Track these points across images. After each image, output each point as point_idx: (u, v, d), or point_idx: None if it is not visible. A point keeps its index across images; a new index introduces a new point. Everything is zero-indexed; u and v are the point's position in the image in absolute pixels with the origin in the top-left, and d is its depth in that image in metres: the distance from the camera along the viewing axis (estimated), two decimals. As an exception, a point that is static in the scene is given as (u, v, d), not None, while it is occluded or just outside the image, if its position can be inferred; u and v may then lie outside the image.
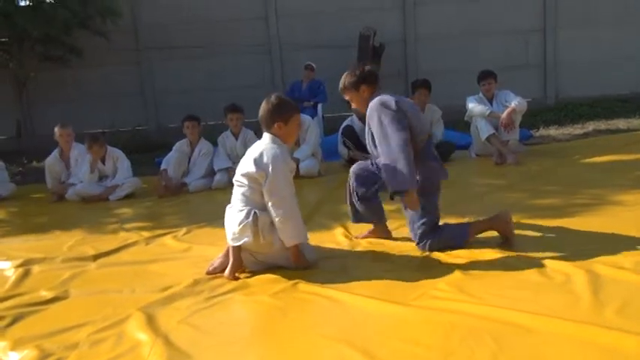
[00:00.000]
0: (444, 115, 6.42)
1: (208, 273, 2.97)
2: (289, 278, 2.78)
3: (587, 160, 5.43)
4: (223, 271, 2.92)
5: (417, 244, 3.00)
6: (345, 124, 6.39)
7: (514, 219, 3.07)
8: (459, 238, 2.98)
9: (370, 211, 3.27)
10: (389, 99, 2.93)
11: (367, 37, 8.51)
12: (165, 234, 3.99)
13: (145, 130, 9.47)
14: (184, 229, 4.06)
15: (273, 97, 2.93)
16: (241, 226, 2.82)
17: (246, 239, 2.82)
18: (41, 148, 7.33)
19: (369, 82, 3.09)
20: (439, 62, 9.10)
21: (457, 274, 2.62)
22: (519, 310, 2.11)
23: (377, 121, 2.90)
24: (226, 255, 2.97)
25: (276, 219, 2.81)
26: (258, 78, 9.47)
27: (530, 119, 7.53)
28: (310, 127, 6.00)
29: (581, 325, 1.94)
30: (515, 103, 5.74)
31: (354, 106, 3.22)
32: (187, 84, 9.49)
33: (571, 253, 2.72)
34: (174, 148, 6.01)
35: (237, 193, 2.94)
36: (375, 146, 2.98)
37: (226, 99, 6.93)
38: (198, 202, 5.30)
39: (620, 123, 7.57)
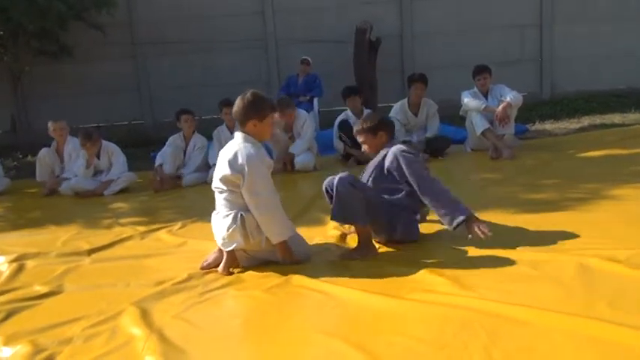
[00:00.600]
0: (440, 109, 6.41)
1: (202, 268, 2.97)
2: (283, 273, 2.78)
3: (583, 155, 5.44)
4: (217, 266, 2.93)
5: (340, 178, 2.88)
6: (340, 118, 6.37)
7: (510, 212, 3.10)
8: (350, 214, 2.90)
9: None
10: (409, 149, 3.06)
11: (364, 31, 8.48)
12: (160, 228, 3.99)
13: (141, 124, 9.44)
14: (179, 224, 4.07)
15: (248, 94, 2.88)
16: (230, 230, 2.81)
17: (236, 244, 2.82)
18: (36, 143, 7.29)
19: (387, 130, 3.20)
20: (435, 57, 9.08)
21: (450, 268, 2.63)
22: (512, 303, 2.12)
23: (405, 166, 2.95)
24: (220, 251, 2.97)
25: (259, 218, 2.80)
26: (254, 73, 9.43)
27: (525, 113, 7.53)
28: (306, 122, 6.00)
29: (574, 317, 1.95)
30: (510, 97, 5.73)
31: (365, 148, 3.26)
32: (183, 79, 9.45)
33: (564, 247, 2.74)
34: (167, 142, 5.99)
35: (220, 198, 2.91)
36: (372, 178, 3.09)
37: (222, 94, 6.87)
38: (193, 197, 5.29)
39: (616, 117, 7.57)
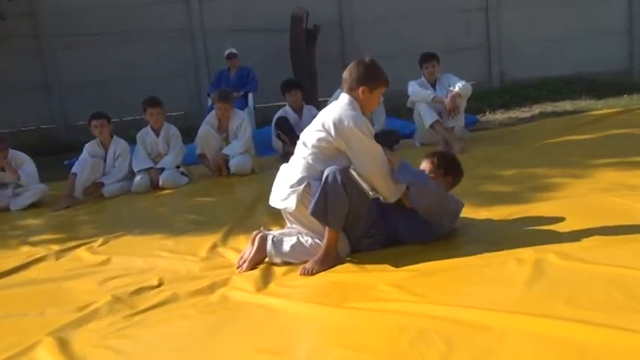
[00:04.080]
0: (386, 101, 6.47)
1: (240, 267, 3.00)
2: (220, 287, 2.78)
3: (535, 145, 5.67)
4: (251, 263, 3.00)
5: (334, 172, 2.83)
6: (278, 115, 6.38)
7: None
8: (328, 214, 2.86)
9: None
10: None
11: (300, 18, 8.51)
12: (78, 246, 3.88)
13: (52, 128, 9.10)
14: (100, 240, 3.96)
15: (367, 59, 3.00)
16: (290, 190, 2.94)
17: (287, 206, 2.95)
18: None
19: (455, 178, 3.21)
20: (377, 45, 9.17)
21: (397, 273, 2.68)
22: (468, 307, 2.18)
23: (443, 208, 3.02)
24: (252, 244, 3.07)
25: (377, 178, 2.87)
26: (179, 66, 9.27)
27: (475, 103, 7.74)
28: (244, 122, 5.97)
29: (532, 317, 2.02)
30: (459, 86, 5.89)
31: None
32: (98, 76, 9.15)
33: (518, 243, 2.82)
34: (84, 150, 5.77)
35: (301, 153, 3.00)
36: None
37: (144, 91, 6.75)
38: (116, 209, 5.17)
39: (567, 105, 7.94)
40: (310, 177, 2.92)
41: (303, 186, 2.91)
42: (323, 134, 2.92)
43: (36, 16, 9.10)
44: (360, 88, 2.96)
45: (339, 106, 2.98)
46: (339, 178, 2.79)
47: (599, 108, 7.39)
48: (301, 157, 3.01)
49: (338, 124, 2.89)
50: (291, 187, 2.95)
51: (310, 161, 2.96)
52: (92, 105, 7.13)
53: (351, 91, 2.99)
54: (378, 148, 2.95)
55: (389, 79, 3.08)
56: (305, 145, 3.01)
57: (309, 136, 3.00)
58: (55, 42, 9.12)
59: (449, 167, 3.18)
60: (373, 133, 3.01)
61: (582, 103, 7.89)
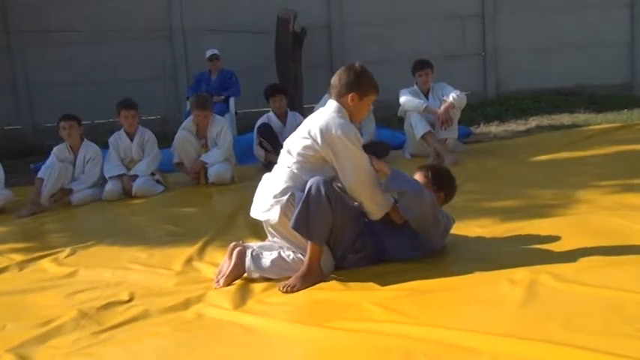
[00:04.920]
0: (375, 110, 6.52)
1: (217, 282, 2.98)
2: (194, 303, 2.77)
3: (531, 160, 5.73)
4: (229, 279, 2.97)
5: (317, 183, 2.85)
6: (260, 121, 6.39)
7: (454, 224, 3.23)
8: (311, 228, 2.86)
9: None
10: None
11: (286, 20, 8.55)
12: (43, 256, 3.84)
13: (18, 130, 9.04)
14: (68, 250, 3.93)
15: (356, 64, 3.04)
16: (273, 201, 2.93)
17: (269, 218, 2.95)
18: None
19: (448, 194, 3.24)
20: (367, 50, 9.23)
21: (383, 292, 2.69)
22: (457, 329, 2.19)
23: (435, 220, 3.02)
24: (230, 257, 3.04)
25: (363, 192, 2.90)
26: (157, 69, 9.24)
27: (469, 114, 7.82)
28: (224, 129, 5.97)
29: (525, 341, 2.03)
30: (453, 96, 5.94)
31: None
32: (71, 75, 9.12)
33: (512, 263, 2.85)
34: (52, 154, 5.72)
35: (285, 162, 3.00)
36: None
37: (118, 94, 6.74)
38: (85, 217, 5.15)
39: (565, 118, 8.03)
40: (295, 187, 2.92)
41: (287, 197, 2.91)
42: (309, 142, 2.93)
43: (6, 11, 9.06)
44: (350, 95, 2.97)
45: (326, 113, 2.99)
46: (322, 189, 2.79)
47: (599, 122, 7.49)
48: (285, 165, 3.01)
49: (325, 132, 2.90)
50: (275, 197, 2.94)
51: (295, 170, 2.95)
52: (62, 106, 7.09)
53: (339, 98, 3.00)
54: (366, 159, 2.96)
55: (379, 87, 3.10)
56: (289, 153, 3.01)
57: (295, 144, 3.00)
58: (25, 39, 9.08)
59: (443, 182, 3.19)
60: (362, 143, 3.02)
61: (581, 117, 7.99)
